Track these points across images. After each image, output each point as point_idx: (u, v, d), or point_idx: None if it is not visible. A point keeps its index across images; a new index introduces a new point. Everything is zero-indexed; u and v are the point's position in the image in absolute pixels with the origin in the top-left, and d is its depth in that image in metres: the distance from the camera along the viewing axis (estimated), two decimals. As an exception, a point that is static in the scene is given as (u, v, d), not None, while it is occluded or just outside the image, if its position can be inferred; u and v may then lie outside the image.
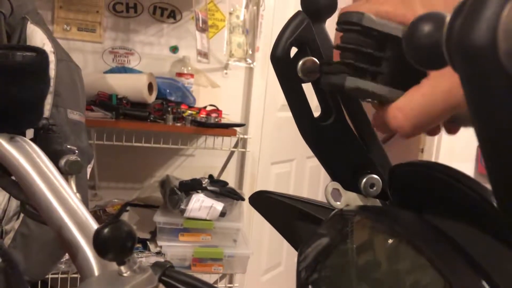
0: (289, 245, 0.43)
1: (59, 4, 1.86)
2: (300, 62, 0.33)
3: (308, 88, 0.34)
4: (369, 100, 0.32)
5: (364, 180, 0.34)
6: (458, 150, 2.20)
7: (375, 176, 0.35)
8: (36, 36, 1.15)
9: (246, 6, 1.91)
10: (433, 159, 2.21)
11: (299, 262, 0.34)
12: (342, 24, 0.31)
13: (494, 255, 0.23)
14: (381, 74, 0.30)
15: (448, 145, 2.21)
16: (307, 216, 0.40)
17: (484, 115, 0.17)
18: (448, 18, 0.18)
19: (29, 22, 1.15)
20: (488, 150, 0.17)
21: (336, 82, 0.30)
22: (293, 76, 0.33)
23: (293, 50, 0.33)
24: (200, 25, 1.81)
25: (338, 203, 0.34)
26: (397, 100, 0.30)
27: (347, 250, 0.31)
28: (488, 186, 0.20)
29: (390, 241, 0.29)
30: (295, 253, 0.37)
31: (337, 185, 0.35)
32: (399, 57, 0.29)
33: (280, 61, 0.33)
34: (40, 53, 0.49)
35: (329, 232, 0.34)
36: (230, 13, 1.94)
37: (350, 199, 0.35)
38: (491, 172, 0.18)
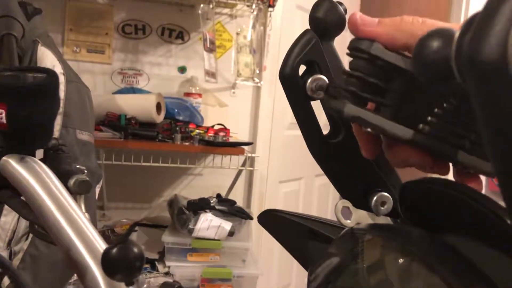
0: (299, 265, 0.43)
1: (69, 26, 1.90)
2: (309, 80, 0.33)
3: (317, 106, 0.34)
4: (369, 130, 0.31)
5: (375, 198, 0.34)
6: (468, 167, 2.18)
7: (386, 194, 0.34)
8: (47, 58, 1.17)
9: (253, 27, 1.93)
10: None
11: (309, 282, 0.34)
12: (351, 49, 0.30)
13: (509, 273, 0.23)
14: (384, 106, 0.29)
15: (458, 162, 2.19)
16: (317, 234, 0.40)
17: (496, 130, 0.17)
18: (457, 34, 0.18)
19: (40, 45, 1.17)
20: (501, 166, 0.17)
21: (335, 107, 0.30)
22: (301, 94, 0.33)
23: (302, 68, 0.33)
24: (208, 46, 1.83)
25: (348, 221, 0.34)
26: (395, 135, 0.29)
27: (358, 269, 0.30)
28: (501, 203, 0.20)
29: (402, 260, 0.28)
30: (305, 273, 0.36)
31: (347, 203, 0.34)
32: (406, 91, 0.29)
33: (289, 79, 0.33)
34: (50, 74, 0.50)
35: (340, 251, 0.34)
36: (238, 33, 1.96)
37: (360, 217, 0.34)
38: (504, 189, 0.17)
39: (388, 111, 0.29)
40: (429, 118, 0.29)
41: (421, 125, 0.29)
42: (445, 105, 0.28)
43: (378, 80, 0.29)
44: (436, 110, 0.28)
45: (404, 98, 0.29)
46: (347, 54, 0.31)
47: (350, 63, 0.31)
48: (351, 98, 0.29)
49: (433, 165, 0.30)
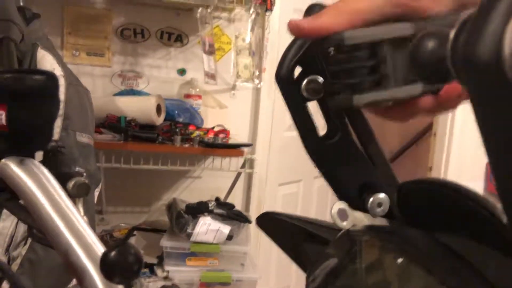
0: (297, 268, 0.43)
1: (68, 30, 1.90)
2: (305, 81, 0.33)
3: (313, 107, 0.34)
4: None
5: (371, 199, 0.34)
6: (466, 169, 2.18)
7: (382, 195, 0.34)
8: (46, 61, 1.17)
9: (252, 30, 1.93)
10: (441, 178, 2.19)
11: (308, 285, 0.34)
12: (325, 50, 0.31)
13: (507, 274, 0.23)
14: (384, 76, 0.30)
15: (456, 163, 2.19)
16: (315, 237, 0.40)
17: (492, 130, 0.17)
18: (452, 34, 0.18)
19: (39, 48, 1.17)
20: (497, 166, 0.17)
21: (345, 104, 0.30)
22: (298, 95, 0.33)
23: (298, 70, 0.33)
24: (207, 48, 1.83)
25: (345, 223, 0.34)
26: (409, 97, 0.29)
27: (356, 270, 0.30)
28: (498, 204, 0.20)
29: (399, 260, 0.28)
30: (303, 276, 0.36)
31: (343, 204, 0.34)
32: (392, 54, 0.29)
33: (285, 81, 0.33)
34: (50, 76, 0.50)
35: (337, 253, 0.34)
36: (236, 36, 1.97)
37: (357, 219, 0.34)
38: (500, 189, 0.18)
39: (390, 79, 0.29)
40: None
41: None
42: None
43: (366, 61, 0.29)
44: None
45: (397, 60, 0.29)
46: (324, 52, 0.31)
47: (332, 60, 0.31)
48: (353, 89, 0.30)
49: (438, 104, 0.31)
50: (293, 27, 0.31)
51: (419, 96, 0.30)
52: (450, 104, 0.32)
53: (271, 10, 1.91)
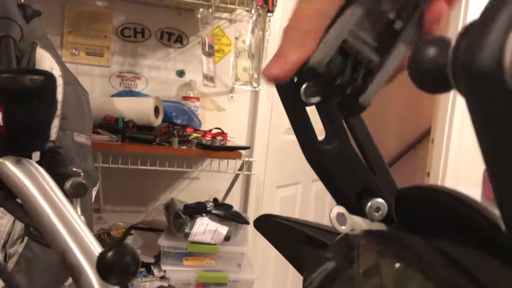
0: (294, 270, 0.43)
1: (68, 29, 1.90)
2: (304, 86, 0.33)
3: (312, 111, 0.34)
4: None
5: (369, 204, 0.34)
6: (464, 174, 2.18)
7: (381, 200, 0.34)
8: (45, 60, 1.17)
9: (252, 31, 1.93)
10: (439, 183, 2.19)
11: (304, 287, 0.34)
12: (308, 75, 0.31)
13: (503, 280, 0.23)
14: (369, 62, 0.30)
15: (454, 169, 2.20)
16: (313, 240, 0.40)
17: (490, 137, 0.17)
18: (453, 42, 0.18)
19: (38, 47, 1.17)
20: (495, 173, 0.17)
21: (353, 107, 0.31)
22: (296, 100, 0.33)
23: None
24: (207, 50, 1.83)
25: (343, 227, 0.34)
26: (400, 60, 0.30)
27: (353, 275, 0.30)
28: (496, 210, 0.20)
29: (397, 265, 0.28)
30: (300, 278, 0.36)
31: (342, 209, 0.34)
32: (360, 33, 0.30)
33: (284, 85, 0.33)
34: (48, 76, 0.50)
35: (335, 257, 0.34)
36: (236, 38, 1.97)
37: (355, 223, 0.34)
38: (498, 195, 0.18)
39: (374, 60, 0.30)
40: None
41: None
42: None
43: (345, 64, 0.30)
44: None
45: (364, 40, 0.30)
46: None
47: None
48: (353, 93, 0.30)
49: None
50: (268, 78, 0.31)
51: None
52: None
53: (272, 11, 1.91)
